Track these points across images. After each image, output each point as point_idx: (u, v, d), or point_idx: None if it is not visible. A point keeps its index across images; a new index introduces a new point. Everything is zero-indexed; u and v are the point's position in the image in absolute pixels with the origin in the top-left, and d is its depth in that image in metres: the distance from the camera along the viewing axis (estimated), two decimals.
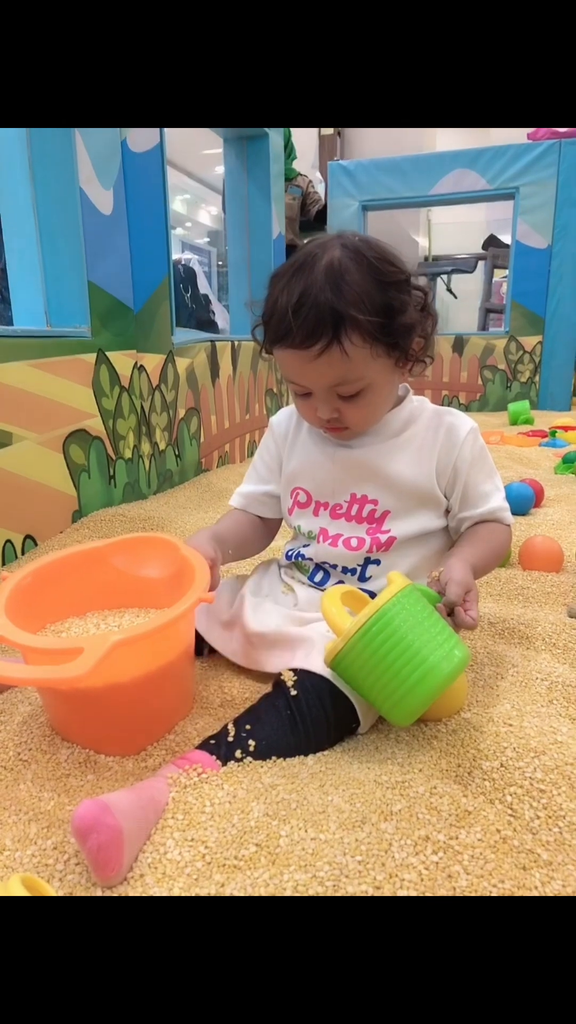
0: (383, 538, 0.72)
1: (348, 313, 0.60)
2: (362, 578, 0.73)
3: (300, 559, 0.78)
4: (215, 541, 0.73)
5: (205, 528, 0.78)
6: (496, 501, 0.74)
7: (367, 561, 0.73)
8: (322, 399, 0.67)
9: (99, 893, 0.45)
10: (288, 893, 0.44)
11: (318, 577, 0.76)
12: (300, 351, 0.63)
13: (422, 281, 0.68)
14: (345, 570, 0.74)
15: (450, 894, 0.44)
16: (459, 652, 0.57)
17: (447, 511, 0.75)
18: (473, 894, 0.44)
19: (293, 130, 3.18)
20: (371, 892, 0.44)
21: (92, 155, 1.25)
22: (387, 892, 0.44)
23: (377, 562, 0.73)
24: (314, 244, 0.65)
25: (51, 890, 0.44)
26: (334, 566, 0.75)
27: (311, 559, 0.76)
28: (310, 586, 0.77)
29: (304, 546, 0.77)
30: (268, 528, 0.85)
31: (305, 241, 0.68)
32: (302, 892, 0.44)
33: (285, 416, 0.82)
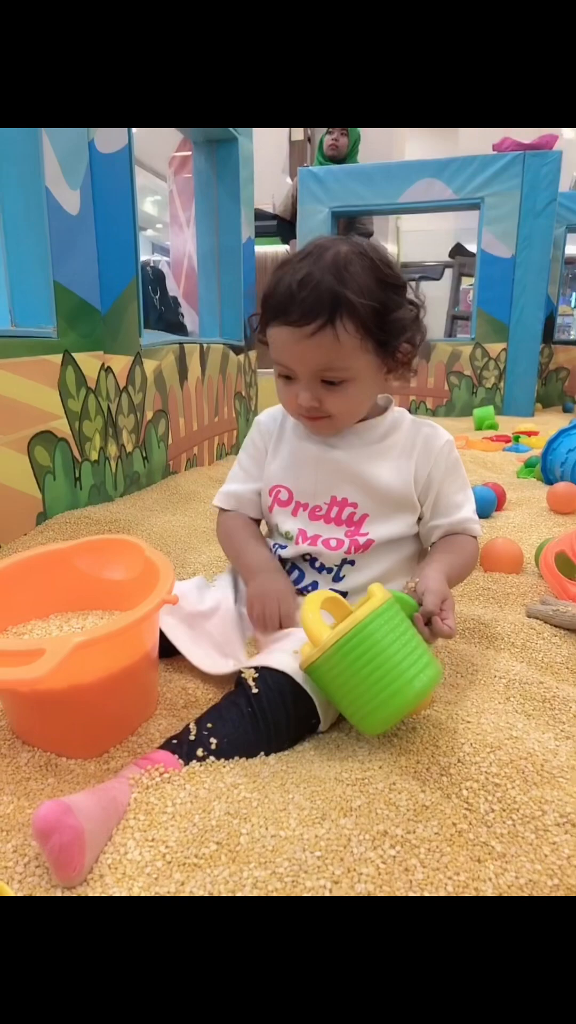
0: (361, 540, 0.74)
1: (347, 298, 0.62)
2: (336, 578, 0.75)
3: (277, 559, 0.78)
4: (279, 574, 0.75)
5: (262, 568, 0.77)
6: (467, 512, 0.76)
7: (343, 562, 0.74)
8: (305, 384, 0.68)
9: (59, 894, 0.45)
10: (247, 889, 0.44)
11: (293, 576, 0.78)
12: (295, 328, 0.64)
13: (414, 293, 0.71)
14: (322, 568, 0.75)
15: (407, 887, 0.45)
16: (431, 670, 0.58)
17: (419, 518, 0.77)
18: (429, 886, 0.45)
19: (262, 134, 3.18)
20: (329, 886, 0.45)
21: (59, 155, 1.24)
22: (345, 886, 0.45)
23: (352, 563, 0.74)
24: (324, 239, 0.68)
25: (10, 891, 0.44)
26: (312, 563, 0.76)
27: (288, 559, 0.77)
28: None
29: (281, 547, 0.78)
30: (260, 524, 0.86)
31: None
32: (261, 888, 0.44)
33: (271, 415, 0.83)
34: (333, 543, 0.74)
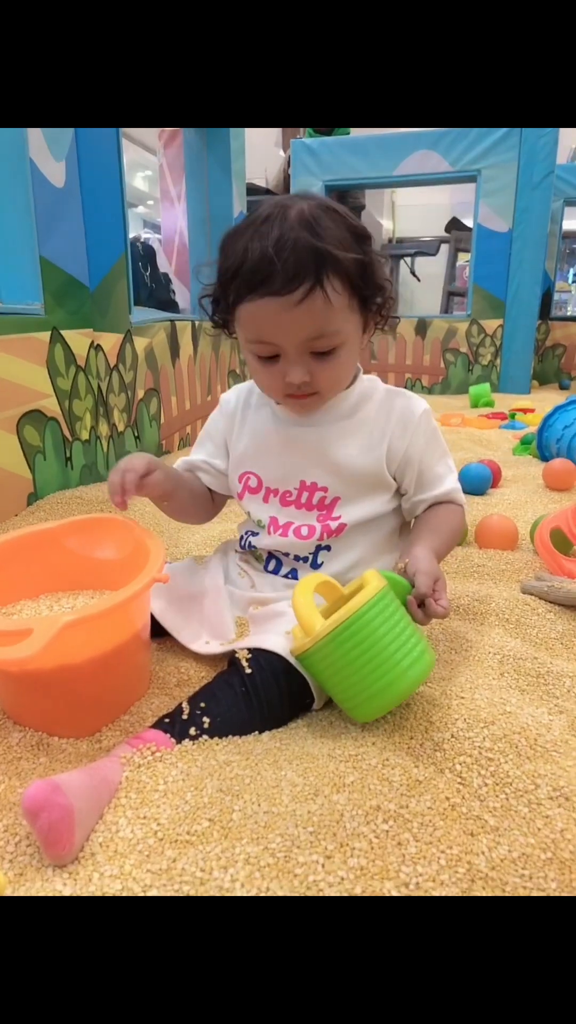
0: (333, 525, 0.71)
1: (331, 253, 0.58)
2: (314, 565, 0.73)
3: (252, 548, 0.77)
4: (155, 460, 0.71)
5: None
6: (450, 483, 0.74)
7: (318, 548, 0.73)
8: (294, 359, 0.62)
9: (50, 872, 0.45)
10: (239, 865, 0.44)
11: (271, 566, 0.76)
12: (280, 297, 0.58)
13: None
14: (297, 558, 0.74)
15: (399, 861, 0.45)
16: (425, 659, 0.58)
17: (399, 492, 0.75)
18: (422, 860, 0.45)
19: None
20: (322, 861, 0.44)
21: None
22: (337, 861, 0.45)
23: (328, 548, 0.73)
24: (274, 201, 0.62)
25: (7, 889, 0.44)
26: (286, 554, 0.74)
27: (264, 549, 0.76)
28: (266, 573, 0.77)
29: (254, 535, 0.76)
30: (214, 501, 0.83)
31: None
32: (253, 864, 0.44)
33: (235, 394, 0.80)
34: (304, 531, 0.72)
